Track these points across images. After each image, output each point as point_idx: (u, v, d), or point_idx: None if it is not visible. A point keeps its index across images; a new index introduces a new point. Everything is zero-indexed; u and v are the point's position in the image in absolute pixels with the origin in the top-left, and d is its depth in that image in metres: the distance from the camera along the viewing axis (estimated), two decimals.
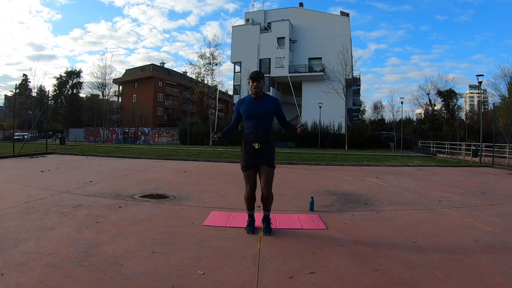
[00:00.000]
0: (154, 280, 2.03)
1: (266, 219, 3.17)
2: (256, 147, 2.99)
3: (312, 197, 4.32)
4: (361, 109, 51.35)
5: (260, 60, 30.76)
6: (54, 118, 45.49)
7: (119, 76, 49.26)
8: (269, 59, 31.29)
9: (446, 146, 18.17)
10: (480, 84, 15.14)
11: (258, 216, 3.31)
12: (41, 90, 43.53)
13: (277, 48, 28.35)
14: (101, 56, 74.45)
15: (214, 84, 28.75)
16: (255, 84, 3.02)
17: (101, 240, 2.79)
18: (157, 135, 32.57)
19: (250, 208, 3.19)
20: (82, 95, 48.40)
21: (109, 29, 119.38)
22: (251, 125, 3.04)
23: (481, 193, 5.83)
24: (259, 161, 3.03)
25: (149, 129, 33.99)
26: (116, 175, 7.18)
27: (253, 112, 3.03)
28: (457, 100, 35.53)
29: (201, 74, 28.22)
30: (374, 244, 2.85)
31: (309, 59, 31.58)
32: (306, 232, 3.21)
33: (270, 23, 32.45)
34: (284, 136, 25.39)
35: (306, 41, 31.64)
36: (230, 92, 44.63)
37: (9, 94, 49.61)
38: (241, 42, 32.40)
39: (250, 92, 3.13)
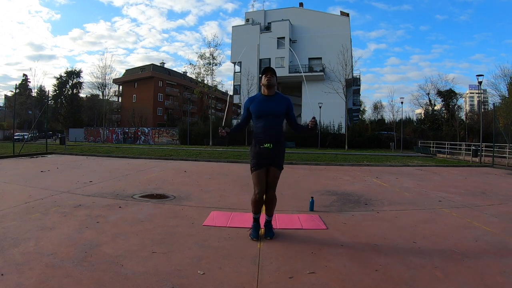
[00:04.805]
0: (154, 280, 2.03)
1: (268, 225, 3.09)
2: (268, 149, 2.87)
3: (312, 197, 4.32)
4: (361, 109, 51.38)
5: (260, 60, 30.82)
6: (54, 118, 45.48)
7: (119, 76, 49.26)
8: (269, 59, 31.29)
9: (446, 146, 18.16)
10: (480, 84, 15.15)
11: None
12: (41, 90, 43.56)
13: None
14: (101, 56, 74.96)
15: (214, 84, 28.78)
16: (268, 76, 2.91)
17: (101, 240, 2.78)
18: (157, 135, 32.56)
19: (257, 212, 3.05)
20: (82, 95, 48.48)
21: (108, 29, 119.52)
22: (261, 124, 2.91)
23: (481, 193, 5.83)
24: (270, 163, 2.93)
25: (149, 129, 33.96)
26: (116, 175, 7.18)
27: (264, 111, 2.90)
28: (457, 100, 35.65)
29: (201, 74, 28.27)
30: (374, 244, 2.85)
31: (309, 59, 31.56)
32: (306, 232, 3.21)
33: (270, 23, 32.47)
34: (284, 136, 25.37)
35: (306, 41, 31.63)
36: (230, 92, 44.64)
37: (9, 94, 49.71)
38: (241, 42, 32.40)
39: (262, 90, 3.02)
